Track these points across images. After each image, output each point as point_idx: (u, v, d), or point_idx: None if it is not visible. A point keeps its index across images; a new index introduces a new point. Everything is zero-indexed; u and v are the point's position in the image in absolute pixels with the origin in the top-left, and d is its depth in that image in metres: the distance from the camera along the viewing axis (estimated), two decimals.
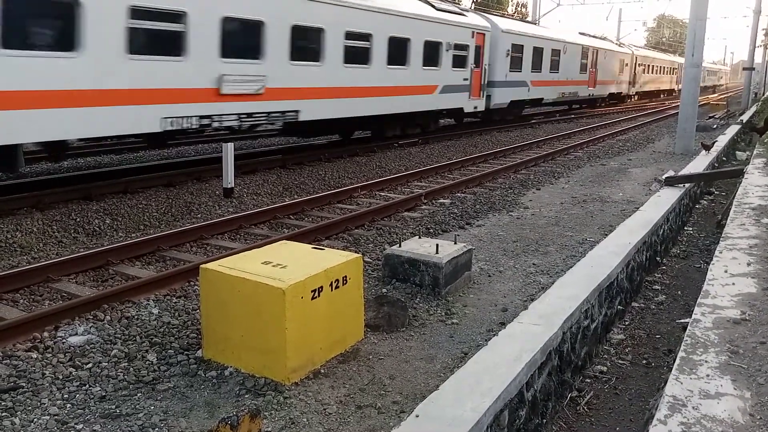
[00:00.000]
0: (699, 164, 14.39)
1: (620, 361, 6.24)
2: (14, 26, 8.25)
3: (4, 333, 5.13)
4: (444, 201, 11.18)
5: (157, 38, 10.07)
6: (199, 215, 9.77)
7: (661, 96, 54.22)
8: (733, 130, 22.70)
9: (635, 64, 40.85)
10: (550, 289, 5.97)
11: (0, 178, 11.46)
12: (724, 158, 17.61)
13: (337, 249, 6.25)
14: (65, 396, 4.34)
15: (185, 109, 10.61)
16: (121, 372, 4.67)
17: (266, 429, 3.91)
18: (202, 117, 10.95)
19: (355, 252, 6.33)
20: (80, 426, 3.98)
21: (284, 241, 5.93)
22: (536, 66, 25.55)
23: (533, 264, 7.52)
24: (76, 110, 9.02)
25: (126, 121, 9.77)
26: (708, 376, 3.74)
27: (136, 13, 9.57)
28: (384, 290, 6.37)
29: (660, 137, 23.07)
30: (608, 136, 22.75)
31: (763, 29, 45.62)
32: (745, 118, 28.02)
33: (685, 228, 11.41)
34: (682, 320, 6.57)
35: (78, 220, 8.89)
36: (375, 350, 5.12)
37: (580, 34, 38.57)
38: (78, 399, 4.31)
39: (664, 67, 52.49)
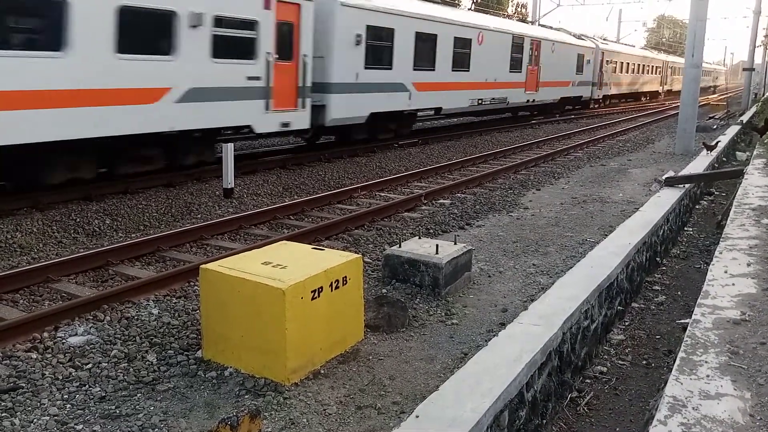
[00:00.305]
0: (699, 165, 14.39)
1: (620, 362, 6.24)
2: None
3: (4, 333, 5.13)
4: (444, 201, 11.18)
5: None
6: (199, 215, 9.77)
7: (643, 99, 47.44)
8: (733, 130, 22.70)
9: (601, 61, 34.11)
10: (550, 290, 5.97)
11: None
12: (724, 159, 17.61)
13: (337, 249, 6.25)
14: (65, 396, 4.34)
15: None
16: (120, 372, 4.67)
17: (266, 429, 3.91)
18: None
19: (355, 252, 6.32)
20: (80, 426, 3.98)
21: (284, 242, 5.93)
22: (424, 60, 17.77)
23: (533, 264, 7.52)
24: None
25: None
26: (708, 376, 3.74)
27: None
28: (384, 291, 6.37)
29: (660, 138, 23.07)
30: (608, 136, 22.75)
31: (764, 28, 45.57)
32: (745, 118, 28.02)
33: (685, 228, 11.41)
34: (682, 321, 6.57)
35: (78, 220, 8.89)
36: (375, 351, 5.12)
37: (521, 21, 33.70)
38: (78, 399, 4.30)
39: (645, 66, 44.93)
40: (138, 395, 4.38)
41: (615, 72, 37.31)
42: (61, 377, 4.58)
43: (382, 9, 15.86)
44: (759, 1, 39.22)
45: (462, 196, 11.62)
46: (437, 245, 6.57)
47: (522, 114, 28.85)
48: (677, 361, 3.95)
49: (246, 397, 4.36)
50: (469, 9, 29.34)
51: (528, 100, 25.68)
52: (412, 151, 17.28)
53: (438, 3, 20.55)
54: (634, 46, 48.58)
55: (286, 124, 13.23)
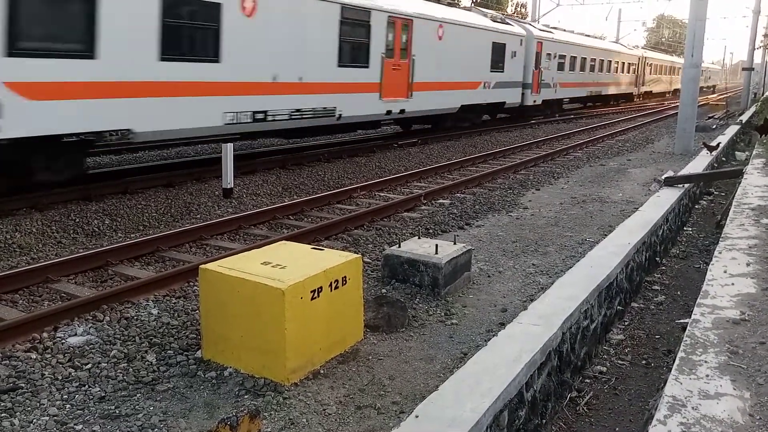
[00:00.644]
0: (698, 164, 14.40)
1: (620, 362, 6.24)
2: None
3: (4, 333, 5.12)
4: (443, 201, 11.18)
5: None
6: (198, 216, 9.77)
7: (612, 103, 40.29)
8: (732, 130, 22.70)
9: (538, 53, 25.46)
10: (550, 290, 5.97)
11: None
12: (723, 158, 17.61)
13: (337, 249, 6.25)
14: (64, 397, 4.34)
15: None
16: (120, 372, 4.67)
17: (266, 429, 3.91)
18: None
19: (355, 252, 6.32)
20: (80, 427, 3.98)
21: (284, 242, 5.93)
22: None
23: (533, 264, 7.52)
24: None
25: None
26: (707, 376, 3.74)
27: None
28: (383, 291, 6.37)
29: (659, 137, 23.08)
30: (607, 136, 22.75)
31: (764, 27, 45.44)
32: (744, 118, 28.02)
33: (685, 228, 11.41)
34: (682, 320, 6.57)
35: (77, 220, 8.89)
36: (374, 351, 5.12)
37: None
38: (77, 399, 4.30)
39: (611, 63, 36.03)
40: (137, 395, 4.37)
41: (563, 69, 28.70)
42: (60, 377, 4.58)
43: None
44: (758, 0, 39.23)
45: (461, 196, 11.62)
46: (437, 245, 6.57)
47: (384, 131, 20.79)
48: (677, 361, 3.95)
49: (245, 397, 4.36)
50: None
51: (389, 111, 16.56)
52: (412, 151, 17.27)
53: None
54: (599, 38, 41.69)
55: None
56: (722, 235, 7.07)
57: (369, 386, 4.54)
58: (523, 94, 24.78)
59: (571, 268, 6.77)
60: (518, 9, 57.90)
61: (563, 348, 5.30)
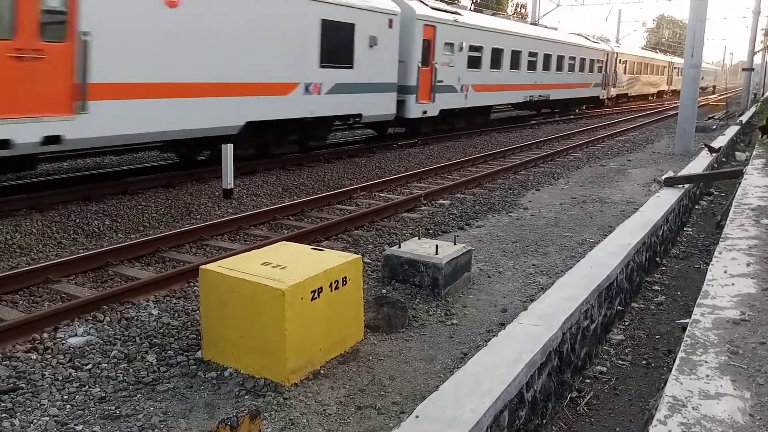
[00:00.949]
0: (698, 165, 14.40)
1: (620, 362, 6.24)
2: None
3: (4, 334, 5.12)
4: (443, 202, 11.18)
5: None
6: (198, 216, 9.77)
7: (556, 113, 31.73)
8: (732, 130, 22.71)
9: (433, 39, 18.04)
10: (550, 290, 5.97)
11: None
12: (723, 159, 17.62)
13: (337, 250, 6.25)
14: (65, 397, 4.34)
15: None
16: (120, 373, 4.67)
17: (266, 430, 3.91)
18: None
19: (355, 253, 6.32)
20: (80, 427, 3.98)
21: (284, 242, 5.93)
22: None
23: (533, 265, 7.52)
24: None
25: None
26: (708, 376, 3.74)
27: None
28: (384, 291, 6.37)
29: (659, 138, 23.08)
30: (608, 136, 22.76)
31: (762, 29, 45.24)
32: (744, 118, 28.03)
33: (685, 229, 11.41)
34: (682, 321, 6.57)
35: (77, 221, 8.89)
36: (375, 351, 5.12)
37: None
38: (78, 400, 4.30)
39: (551, 57, 26.92)
40: (138, 396, 4.37)
41: (479, 66, 20.97)
42: (60, 378, 4.58)
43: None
44: (758, 1, 39.25)
45: (461, 197, 11.62)
46: (437, 245, 6.57)
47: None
48: (677, 361, 3.96)
49: (246, 397, 4.36)
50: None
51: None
52: (412, 151, 17.27)
53: None
54: (551, 28, 31.02)
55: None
56: (722, 236, 7.08)
57: (369, 386, 4.55)
58: (402, 102, 17.10)
59: (571, 268, 6.77)
60: (518, 9, 57.91)
61: (563, 348, 5.30)
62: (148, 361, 4.86)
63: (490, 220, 9.78)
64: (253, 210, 9.90)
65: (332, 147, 16.57)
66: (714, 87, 79.00)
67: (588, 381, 5.80)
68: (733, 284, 5.36)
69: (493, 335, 5.06)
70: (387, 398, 4.39)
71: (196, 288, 6.26)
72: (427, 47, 17.89)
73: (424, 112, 18.20)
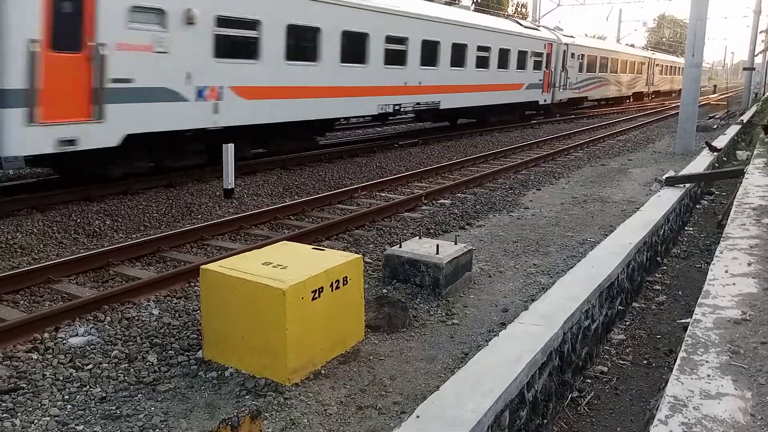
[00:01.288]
0: (699, 164, 14.39)
1: (621, 362, 6.23)
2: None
3: (5, 334, 5.13)
4: (444, 201, 11.18)
5: None
6: (199, 216, 9.77)
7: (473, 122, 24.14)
8: (733, 130, 22.69)
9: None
10: (551, 290, 5.97)
11: (0, 179, 11.47)
12: (724, 158, 17.60)
13: (338, 249, 6.25)
14: (66, 397, 4.34)
15: None
16: (121, 373, 4.67)
17: (267, 430, 3.91)
18: None
19: (356, 252, 6.32)
20: (81, 427, 3.98)
21: (284, 242, 5.93)
22: None
23: (534, 264, 7.52)
24: None
25: None
26: (709, 376, 3.74)
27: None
28: (384, 291, 6.37)
29: (660, 137, 23.07)
30: (608, 136, 22.75)
31: (761, 31, 45.04)
32: (745, 118, 28.01)
33: (686, 228, 11.40)
34: (683, 320, 6.57)
35: (78, 221, 8.89)
36: (375, 351, 5.12)
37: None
38: (78, 400, 4.31)
39: (461, 48, 19.40)
40: (139, 396, 4.38)
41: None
42: (61, 378, 4.58)
43: None
44: (759, 0, 39.20)
45: (462, 196, 11.62)
46: (438, 245, 6.57)
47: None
48: (678, 361, 3.95)
49: (247, 397, 4.36)
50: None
51: None
52: (413, 151, 17.28)
53: None
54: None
55: None
56: (723, 235, 7.07)
57: (370, 386, 4.54)
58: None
59: (572, 267, 6.76)
60: (518, 9, 57.89)
61: (564, 348, 5.29)
62: (148, 361, 4.86)
63: (491, 220, 9.77)
64: (254, 210, 9.91)
65: (332, 147, 16.57)
66: (715, 86, 74.10)
67: (589, 381, 5.80)
68: (734, 284, 5.35)
69: (494, 335, 5.05)
70: (388, 398, 4.39)
71: (196, 288, 6.26)
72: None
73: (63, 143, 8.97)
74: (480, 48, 20.73)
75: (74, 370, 4.71)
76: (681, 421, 3.25)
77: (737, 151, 19.27)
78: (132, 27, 9.82)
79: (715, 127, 25.63)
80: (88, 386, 4.49)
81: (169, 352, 5.04)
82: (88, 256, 7.20)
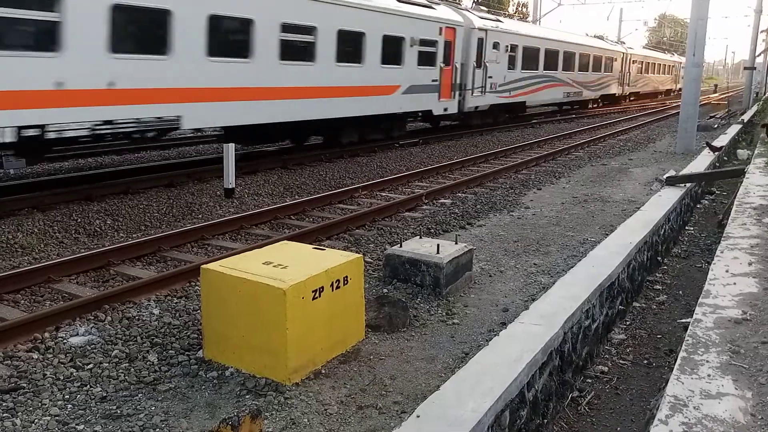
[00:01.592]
0: (700, 164, 14.38)
1: (621, 361, 6.23)
2: None
3: (5, 333, 5.13)
4: (445, 201, 11.17)
5: None
6: (200, 215, 9.77)
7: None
8: (734, 129, 22.67)
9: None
10: (551, 289, 5.97)
11: (0, 179, 11.48)
12: (725, 158, 17.59)
13: (338, 249, 6.25)
14: (66, 396, 4.34)
15: None
16: (122, 372, 4.68)
17: (267, 429, 3.91)
18: None
19: (356, 252, 6.33)
20: (81, 426, 3.98)
21: (285, 242, 5.93)
22: None
23: (534, 264, 7.52)
24: None
25: None
26: (709, 376, 3.74)
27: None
28: (385, 290, 6.37)
29: (661, 137, 23.06)
30: (609, 135, 22.74)
31: (762, 31, 44.94)
32: (746, 117, 27.98)
33: (687, 228, 11.40)
34: (684, 320, 6.57)
35: (79, 220, 8.90)
36: (376, 350, 5.12)
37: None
38: (79, 399, 4.31)
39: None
40: (139, 395, 4.38)
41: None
42: (62, 377, 4.59)
43: None
44: (760, 0, 39.16)
45: (463, 196, 11.62)
46: (438, 245, 6.57)
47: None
48: (678, 361, 3.95)
49: (247, 397, 4.37)
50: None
51: None
52: (413, 150, 17.27)
53: None
54: None
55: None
56: (724, 235, 7.07)
57: (370, 386, 4.54)
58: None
59: (572, 267, 6.76)
60: (519, 8, 57.87)
61: (565, 348, 5.29)
62: (149, 361, 4.86)
63: (491, 220, 9.77)
64: (255, 209, 9.91)
65: (332, 147, 16.58)
66: (715, 86, 67.86)
67: (589, 380, 5.79)
68: (734, 283, 5.35)
69: (495, 335, 5.05)
70: (388, 398, 4.39)
71: (197, 287, 6.27)
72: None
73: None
74: (289, 28, 12.82)
75: (75, 370, 4.71)
76: (681, 420, 3.25)
77: (738, 151, 19.26)
78: None
79: (715, 126, 25.61)
80: (88, 386, 4.49)
81: (170, 351, 5.04)
82: (89, 256, 7.20)
